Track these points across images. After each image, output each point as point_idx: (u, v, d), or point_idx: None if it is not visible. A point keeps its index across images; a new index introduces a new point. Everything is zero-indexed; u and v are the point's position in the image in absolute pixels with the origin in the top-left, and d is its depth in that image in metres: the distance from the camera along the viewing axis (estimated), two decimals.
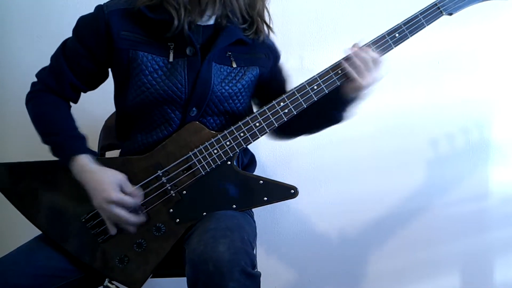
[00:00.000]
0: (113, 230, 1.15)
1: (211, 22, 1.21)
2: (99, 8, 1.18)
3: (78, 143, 1.17)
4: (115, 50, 1.17)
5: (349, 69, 1.17)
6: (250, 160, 1.38)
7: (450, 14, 1.26)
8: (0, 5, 1.88)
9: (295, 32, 1.87)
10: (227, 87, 1.21)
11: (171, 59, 1.16)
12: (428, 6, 1.24)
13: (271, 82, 1.35)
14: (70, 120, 1.22)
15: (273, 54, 1.34)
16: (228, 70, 1.22)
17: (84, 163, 1.14)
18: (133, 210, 1.14)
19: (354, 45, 1.21)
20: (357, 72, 1.17)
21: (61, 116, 1.21)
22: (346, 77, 1.20)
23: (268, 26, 1.27)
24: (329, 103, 1.24)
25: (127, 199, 1.11)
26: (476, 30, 1.86)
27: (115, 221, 1.13)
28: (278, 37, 1.37)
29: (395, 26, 1.23)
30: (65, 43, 1.23)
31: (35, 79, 1.25)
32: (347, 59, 1.19)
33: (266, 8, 1.25)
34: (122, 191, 1.12)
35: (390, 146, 1.91)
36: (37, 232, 1.20)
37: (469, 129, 1.91)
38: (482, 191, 1.94)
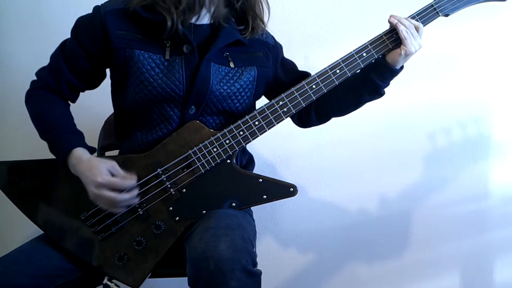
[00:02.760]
0: (117, 210, 1.15)
1: (205, 21, 1.22)
2: (96, 9, 1.20)
3: (74, 139, 1.18)
4: (112, 49, 1.18)
5: (403, 33, 1.20)
6: (248, 160, 1.38)
7: (447, 15, 1.26)
8: (0, 6, 1.89)
9: (295, 32, 1.88)
10: (225, 87, 1.21)
11: (167, 57, 1.17)
12: (424, 7, 1.25)
13: (279, 76, 1.36)
14: (68, 117, 1.23)
15: (271, 51, 1.33)
16: (226, 70, 1.22)
17: (78, 156, 1.15)
18: (125, 190, 1.13)
19: (393, 16, 1.24)
20: (408, 38, 1.20)
21: (59, 113, 1.22)
22: (343, 76, 1.22)
23: (262, 22, 1.27)
24: (376, 74, 1.26)
25: (115, 181, 1.11)
26: (475, 30, 1.86)
27: (110, 204, 1.13)
28: (278, 37, 1.38)
29: (390, 28, 1.24)
30: (64, 43, 1.24)
31: (35, 78, 1.26)
32: (399, 25, 1.21)
33: (264, 3, 1.26)
34: (113, 175, 1.13)
35: (390, 146, 1.91)
36: (37, 232, 1.20)
37: (469, 129, 1.91)
38: (482, 191, 1.94)
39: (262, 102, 1.28)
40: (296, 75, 1.36)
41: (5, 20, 1.89)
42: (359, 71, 1.25)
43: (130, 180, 1.14)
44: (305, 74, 1.36)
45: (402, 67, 1.27)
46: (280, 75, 1.36)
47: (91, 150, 1.19)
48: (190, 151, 1.18)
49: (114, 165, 1.15)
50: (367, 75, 1.26)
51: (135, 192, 1.15)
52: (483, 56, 1.88)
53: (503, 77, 1.89)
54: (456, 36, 1.86)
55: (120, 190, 1.12)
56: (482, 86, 1.89)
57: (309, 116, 1.38)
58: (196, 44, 1.18)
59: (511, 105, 1.90)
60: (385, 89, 1.30)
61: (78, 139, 1.19)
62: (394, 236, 1.95)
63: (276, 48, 1.35)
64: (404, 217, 1.94)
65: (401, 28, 1.20)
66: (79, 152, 1.15)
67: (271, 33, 1.36)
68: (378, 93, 1.29)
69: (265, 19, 1.28)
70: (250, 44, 1.27)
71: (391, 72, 1.25)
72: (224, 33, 1.21)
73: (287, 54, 1.41)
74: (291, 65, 1.40)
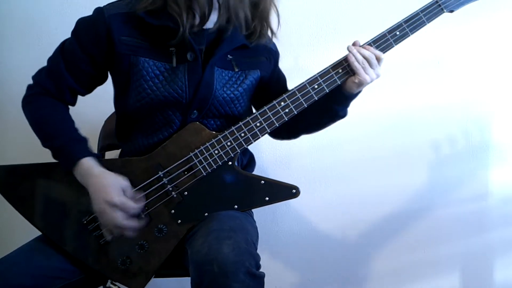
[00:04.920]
0: (108, 236, 1.14)
1: (211, 25, 1.18)
2: (99, 11, 1.17)
3: (80, 146, 1.16)
4: (115, 54, 1.15)
5: (355, 64, 1.17)
6: (249, 160, 1.38)
7: (451, 11, 1.26)
8: (0, 6, 1.88)
9: (294, 32, 1.87)
10: (228, 92, 1.20)
11: (174, 64, 1.15)
12: (429, 3, 1.24)
13: (271, 83, 1.35)
14: (70, 122, 1.21)
15: (273, 57, 1.34)
16: (229, 75, 1.21)
17: (89, 167, 1.13)
18: (133, 215, 1.13)
19: (354, 43, 1.22)
20: (361, 68, 1.17)
21: (60, 118, 1.20)
22: (347, 76, 1.21)
23: (272, 31, 1.26)
24: (331, 99, 1.24)
25: (130, 203, 1.11)
26: (477, 30, 1.86)
27: (115, 225, 1.11)
28: (277, 37, 1.37)
29: (396, 24, 1.23)
30: (63, 45, 1.21)
31: (31, 82, 1.23)
32: (350, 56, 1.19)
33: (275, 8, 1.24)
34: (125, 195, 1.12)
35: (390, 147, 1.91)
36: (38, 233, 1.20)
37: (469, 130, 1.91)
38: (482, 191, 1.93)
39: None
40: (282, 89, 1.36)
41: (4, 20, 1.88)
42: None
43: (140, 202, 1.13)
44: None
45: (359, 91, 1.24)
46: (273, 81, 1.35)
47: (97, 157, 1.17)
48: (191, 154, 1.17)
49: (126, 185, 1.13)
50: (324, 100, 1.24)
51: (141, 222, 1.14)
52: (483, 57, 1.87)
53: (503, 77, 1.88)
54: (457, 37, 1.86)
55: (129, 213, 1.11)
56: (483, 87, 1.89)
57: (279, 130, 1.32)
58: (202, 50, 1.16)
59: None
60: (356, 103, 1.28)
61: (85, 147, 1.17)
62: (394, 236, 1.95)
63: (276, 54, 1.36)
64: (404, 217, 1.94)
65: (352, 59, 1.18)
66: (89, 163, 1.13)
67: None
68: (337, 116, 1.28)
69: (275, 28, 1.27)
70: (254, 48, 1.25)
71: (346, 98, 1.24)
72: (229, 38, 1.18)
73: (285, 53, 1.41)
74: (283, 77, 1.40)
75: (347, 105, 1.27)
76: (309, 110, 1.23)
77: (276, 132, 1.34)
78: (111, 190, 1.10)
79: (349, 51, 1.19)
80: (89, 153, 1.15)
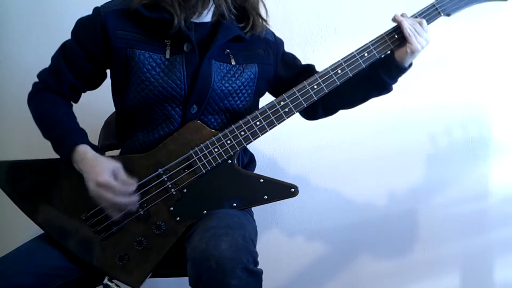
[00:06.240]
0: (114, 215, 1.15)
1: (207, 19, 1.23)
2: (96, 10, 1.21)
3: (78, 135, 1.18)
4: (112, 49, 1.18)
5: (407, 31, 1.19)
6: (249, 160, 1.38)
7: (448, 15, 1.27)
8: (0, 6, 1.89)
9: (295, 32, 1.88)
10: (226, 85, 1.21)
11: (167, 56, 1.17)
12: (426, 7, 1.26)
13: (281, 73, 1.35)
14: (70, 115, 1.24)
15: (272, 48, 1.33)
16: (227, 68, 1.23)
17: (83, 152, 1.15)
18: (123, 195, 1.12)
19: (402, 14, 1.24)
20: (412, 36, 1.20)
21: (61, 112, 1.23)
22: (344, 76, 1.22)
23: (263, 19, 1.28)
24: (383, 70, 1.26)
25: (114, 184, 1.10)
26: (476, 30, 1.86)
27: (109, 205, 1.13)
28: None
29: (394, 27, 1.24)
30: (64, 45, 1.25)
31: (35, 79, 1.27)
32: (403, 23, 1.20)
33: (262, 1, 1.27)
34: (115, 177, 1.12)
35: (390, 146, 1.91)
36: (38, 232, 1.20)
37: (469, 129, 1.91)
38: (482, 191, 1.93)
39: (266, 100, 1.27)
40: (298, 70, 1.37)
41: (6, 19, 1.89)
42: (364, 69, 1.24)
43: (130, 186, 1.13)
44: (308, 67, 1.36)
45: (410, 65, 1.27)
46: (281, 71, 1.35)
47: (95, 148, 1.18)
48: (191, 151, 1.18)
49: (119, 167, 1.14)
50: (375, 72, 1.26)
51: (134, 198, 1.14)
52: (483, 57, 1.88)
53: (503, 77, 1.89)
54: (457, 37, 1.86)
55: (116, 193, 1.11)
56: (483, 86, 1.89)
57: (315, 110, 1.37)
58: (197, 43, 1.18)
59: (511, 105, 1.90)
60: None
61: (82, 136, 1.19)
62: (394, 236, 1.95)
63: (276, 44, 1.35)
64: (404, 217, 1.94)
65: (405, 25, 1.20)
66: (84, 149, 1.15)
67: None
68: (385, 89, 1.30)
69: (264, 15, 1.28)
70: (251, 41, 1.27)
71: (398, 69, 1.25)
72: (224, 29, 1.21)
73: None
74: (292, 60, 1.39)
75: (397, 77, 1.28)
76: (355, 82, 1.25)
77: (312, 113, 1.37)
78: (99, 170, 1.11)
79: (398, 21, 1.21)
80: (85, 142, 1.17)
